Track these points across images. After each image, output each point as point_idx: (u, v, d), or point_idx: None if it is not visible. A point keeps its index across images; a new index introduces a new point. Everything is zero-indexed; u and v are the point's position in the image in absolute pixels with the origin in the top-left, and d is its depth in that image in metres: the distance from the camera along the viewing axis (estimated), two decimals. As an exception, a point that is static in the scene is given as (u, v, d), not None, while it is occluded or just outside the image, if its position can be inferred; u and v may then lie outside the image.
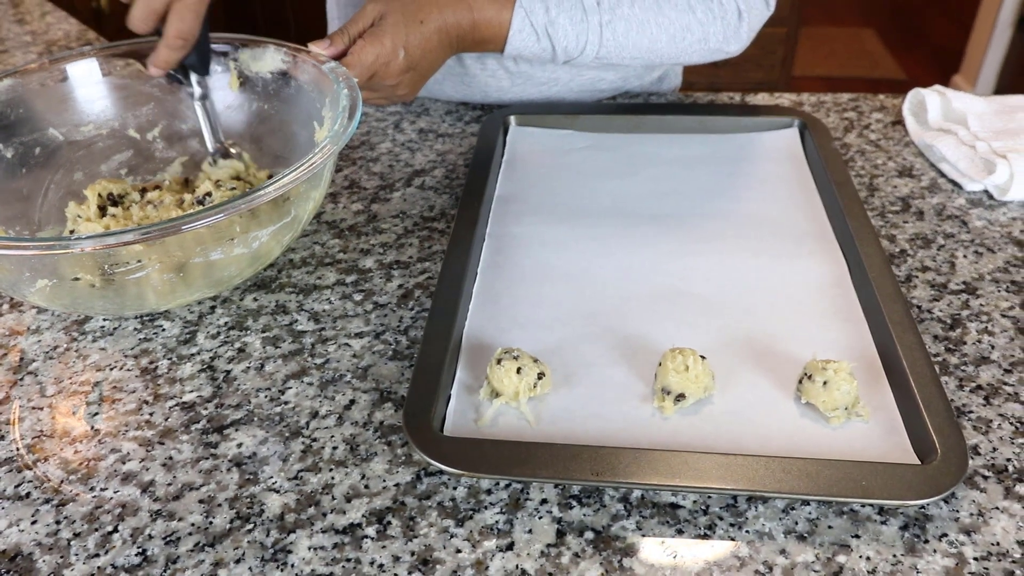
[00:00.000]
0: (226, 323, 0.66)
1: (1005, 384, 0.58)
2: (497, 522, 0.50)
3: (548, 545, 0.49)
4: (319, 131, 0.69)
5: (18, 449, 0.56)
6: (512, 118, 0.87)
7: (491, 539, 0.49)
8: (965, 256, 0.70)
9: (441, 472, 0.53)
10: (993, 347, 0.61)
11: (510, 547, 0.49)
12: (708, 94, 0.97)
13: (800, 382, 0.57)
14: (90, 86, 0.76)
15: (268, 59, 0.73)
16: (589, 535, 0.49)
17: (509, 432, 0.55)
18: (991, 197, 0.77)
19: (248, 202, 0.55)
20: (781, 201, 0.77)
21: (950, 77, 2.87)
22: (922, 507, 0.50)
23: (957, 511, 0.50)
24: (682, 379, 0.56)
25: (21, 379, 0.62)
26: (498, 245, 0.72)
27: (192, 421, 0.58)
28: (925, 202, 0.77)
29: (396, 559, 0.48)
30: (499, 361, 0.57)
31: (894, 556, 0.48)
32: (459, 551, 0.49)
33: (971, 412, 0.57)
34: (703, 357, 0.57)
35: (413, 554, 0.49)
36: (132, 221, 0.71)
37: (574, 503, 0.51)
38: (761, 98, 0.95)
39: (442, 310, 0.62)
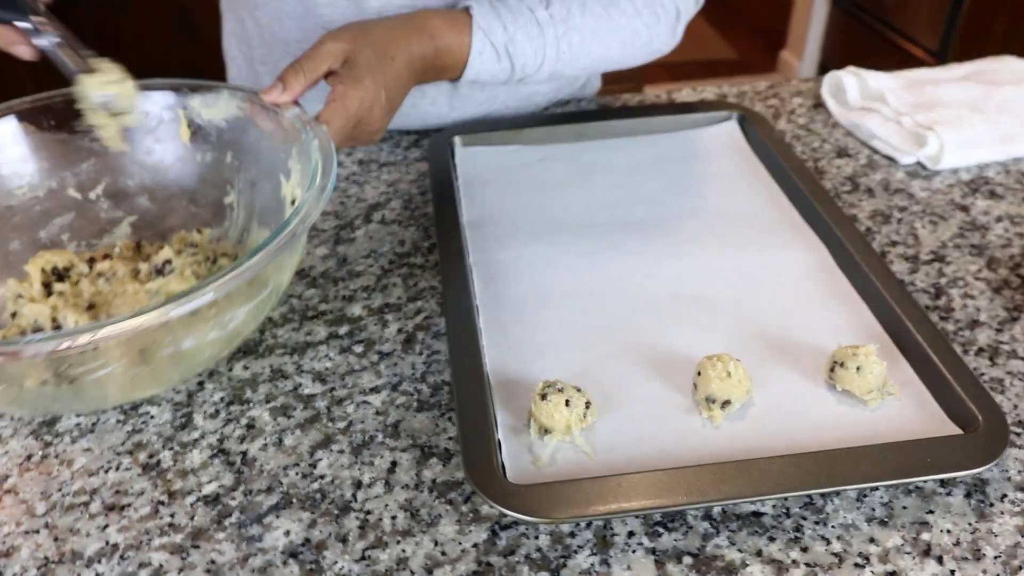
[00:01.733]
0: (222, 399, 0.60)
1: (1002, 343, 0.63)
2: (592, 565, 0.49)
3: (652, 578, 0.48)
4: (286, 184, 0.64)
5: (25, 584, 0.49)
6: (457, 139, 0.85)
7: (593, 584, 0.48)
8: (923, 227, 0.75)
9: (517, 523, 0.51)
10: (979, 309, 0.66)
11: (615, 588, 0.47)
12: (634, 95, 0.98)
13: (832, 370, 0.58)
14: (16, 145, 0.67)
15: (222, 105, 0.66)
16: (688, 560, 0.49)
17: (571, 468, 0.53)
18: (924, 168, 0.83)
19: (231, 279, 0.48)
20: (743, 193, 0.79)
21: (778, 53, 3.07)
22: (978, 474, 0.53)
23: (1007, 471, 0.53)
24: (725, 385, 0.56)
25: (-1, 501, 0.54)
26: (487, 274, 0.69)
27: (222, 515, 0.52)
28: (870, 179, 0.82)
29: (503, 624, 0.46)
30: (544, 396, 0.55)
31: (970, 525, 0.50)
32: (565, 603, 0.47)
33: (983, 374, 0.60)
34: (738, 360, 0.57)
35: (519, 615, 0.46)
36: (82, 299, 0.63)
37: (661, 530, 0.50)
38: (686, 94, 0.97)
39: (463, 351, 0.59)
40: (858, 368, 0.57)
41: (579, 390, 0.56)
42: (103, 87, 0.62)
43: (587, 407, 0.56)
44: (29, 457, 0.57)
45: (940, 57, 2.16)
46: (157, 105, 0.68)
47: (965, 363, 0.57)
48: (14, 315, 0.63)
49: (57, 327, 0.61)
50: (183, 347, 0.54)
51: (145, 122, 0.69)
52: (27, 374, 0.51)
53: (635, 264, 0.70)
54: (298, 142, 0.62)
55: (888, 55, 2.35)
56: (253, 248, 0.50)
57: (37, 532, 0.52)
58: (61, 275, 0.64)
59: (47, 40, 0.62)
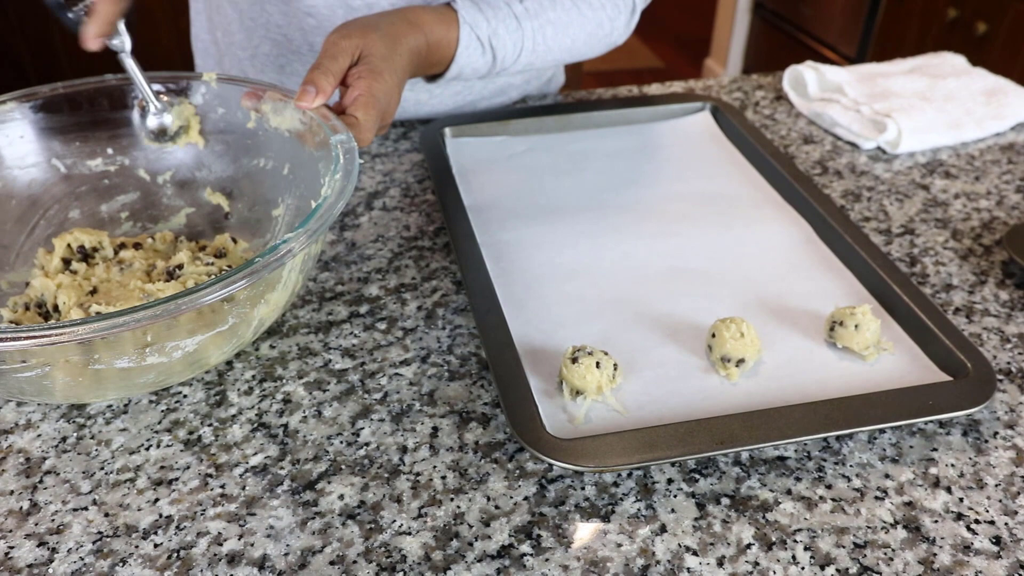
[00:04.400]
0: (253, 376, 0.61)
1: (975, 303, 0.69)
2: (639, 509, 0.52)
3: (696, 519, 0.51)
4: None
5: (84, 560, 0.49)
6: (447, 130, 0.87)
7: (643, 526, 0.51)
8: (891, 204, 0.81)
9: (563, 476, 0.54)
10: (951, 275, 0.72)
11: (663, 529, 0.51)
12: (608, 89, 1.03)
13: (831, 330, 0.63)
14: (101, 120, 0.70)
15: (288, 115, 0.66)
16: (725, 501, 0.52)
17: (606, 425, 0.57)
18: (884, 152, 0.90)
19: (146, 318, 0.45)
20: (723, 176, 0.83)
21: (702, 61, 3.19)
22: (970, 415, 0.58)
23: (995, 412, 0.59)
24: (739, 345, 0.60)
25: (40, 481, 0.54)
26: (496, 253, 0.72)
27: (273, 483, 0.53)
28: (837, 163, 0.88)
29: (564, 568, 0.48)
30: (575, 360, 0.58)
31: (970, 459, 0.55)
32: (619, 545, 0.50)
33: (963, 330, 0.66)
34: (748, 323, 0.62)
35: (579, 559, 0.49)
36: (88, 283, 0.63)
37: (697, 476, 0.54)
38: (655, 88, 1.02)
39: (490, 323, 0.62)
40: (856, 326, 0.62)
41: (606, 353, 0.59)
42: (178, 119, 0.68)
43: (615, 368, 0.59)
44: (64, 439, 0.56)
45: (857, 62, 2.29)
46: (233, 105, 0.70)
47: (948, 319, 0.63)
48: (27, 284, 0.63)
49: (55, 306, 0.61)
50: (117, 365, 0.52)
51: (219, 117, 0.70)
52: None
53: (633, 242, 0.74)
54: (326, 153, 0.62)
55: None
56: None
57: (86, 509, 0.52)
58: (87, 254, 0.64)
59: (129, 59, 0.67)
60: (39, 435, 0.57)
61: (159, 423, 0.58)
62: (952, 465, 0.55)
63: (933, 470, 0.54)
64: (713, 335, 0.61)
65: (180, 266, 0.62)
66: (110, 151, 0.72)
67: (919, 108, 0.90)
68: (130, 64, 0.67)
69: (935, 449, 0.56)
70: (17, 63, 1.93)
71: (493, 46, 0.79)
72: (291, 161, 0.68)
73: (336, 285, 0.70)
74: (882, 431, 0.57)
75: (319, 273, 0.71)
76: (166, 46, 2.08)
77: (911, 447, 0.56)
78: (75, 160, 0.71)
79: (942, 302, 0.69)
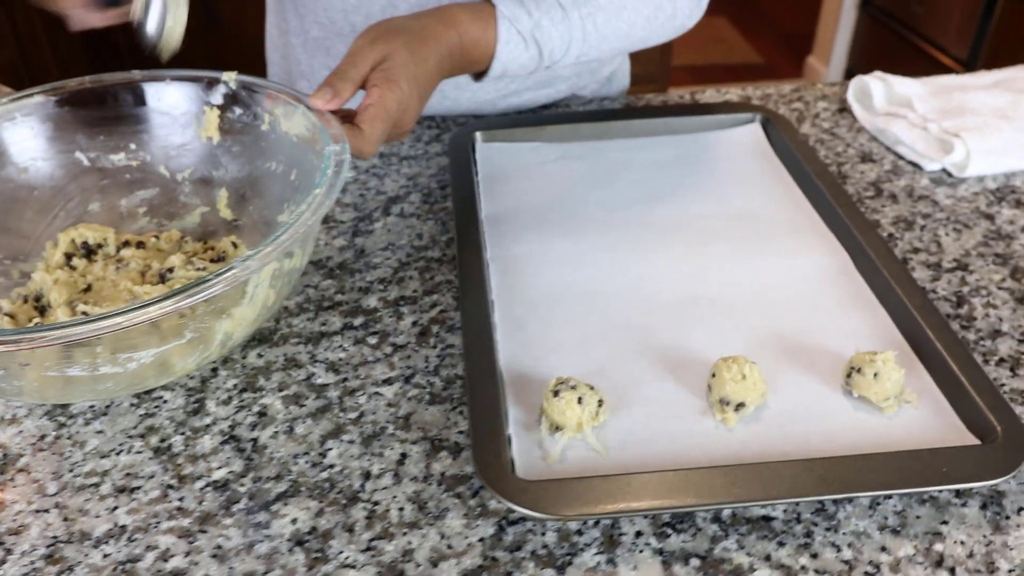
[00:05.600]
0: (235, 385, 0.60)
1: (1023, 354, 0.62)
2: (599, 563, 0.48)
3: (658, 579, 0.47)
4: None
5: (34, 564, 0.49)
6: (478, 135, 0.85)
7: (599, 582, 0.47)
8: (947, 234, 0.74)
9: (525, 519, 0.51)
10: (1001, 319, 0.65)
11: (621, 587, 0.47)
12: (657, 95, 0.98)
13: (848, 376, 0.58)
14: (130, 115, 0.71)
15: (298, 119, 0.65)
16: (695, 562, 0.48)
17: (581, 466, 0.53)
18: (949, 175, 0.82)
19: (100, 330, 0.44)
20: (764, 196, 0.78)
21: (804, 58, 3.05)
22: (994, 486, 0.52)
23: (1025, 484, 0.52)
24: (740, 388, 0.55)
25: (11, 479, 0.54)
26: (504, 268, 0.69)
27: (231, 501, 0.52)
28: (894, 185, 0.81)
29: (507, 620, 0.46)
30: (556, 393, 0.55)
31: (984, 537, 0.49)
32: (570, 600, 0.46)
33: (1003, 385, 0.59)
34: (754, 363, 0.57)
35: (524, 611, 0.46)
36: (84, 280, 0.64)
37: (669, 531, 0.50)
38: (710, 95, 0.97)
39: (477, 345, 0.59)
40: (875, 374, 0.56)
41: (592, 388, 0.55)
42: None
43: (599, 405, 0.55)
44: (42, 437, 0.57)
45: (968, 66, 2.14)
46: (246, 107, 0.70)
47: (984, 372, 0.56)
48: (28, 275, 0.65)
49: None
50: (68, 373, 0.51)
51: (236, 118, 0.71)
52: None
53: (655, 263, 0.70)
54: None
55: (916, 63, 2.33)
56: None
57: (47, 511, 0.52)
58: (90, 251, 0.65)
59: None
60: (21, 431, 0.58)
61: (135, 427, 0.57)
62: (962, 543, 0.49)
63: (938, 546, 0.49)
64: (713, 374, 0.57)
65: (171, 269, 0.62)
66: (133, 146, 0.72)
67: (995, 127, 0.81)
68: None
69: (945, 522, 0.50)
70: (115, 47, 2.01)
71: (537, 40, 0.75)
72: (298, 167, 0.67)
73: (336, 294, 0.68)
74: (888, 496, 0.51)
75: (321, 280, 0.70)
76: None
77: (918, 517, 0.50)
78: (99, 154, 0.72)
79: (985, 351, 0.62)
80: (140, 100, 0.72)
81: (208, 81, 0.70)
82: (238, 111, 0.70)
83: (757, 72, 3.07)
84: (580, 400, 0.54)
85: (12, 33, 1.88)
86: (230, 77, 0.69)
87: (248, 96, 0.69)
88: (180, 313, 0.50)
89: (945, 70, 2.15)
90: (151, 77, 0.71)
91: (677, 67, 3.07)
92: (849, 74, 2.69)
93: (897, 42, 2.45)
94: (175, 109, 0.71)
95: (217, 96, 0.70)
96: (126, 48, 2.04)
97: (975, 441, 0.54)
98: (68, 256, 0.65)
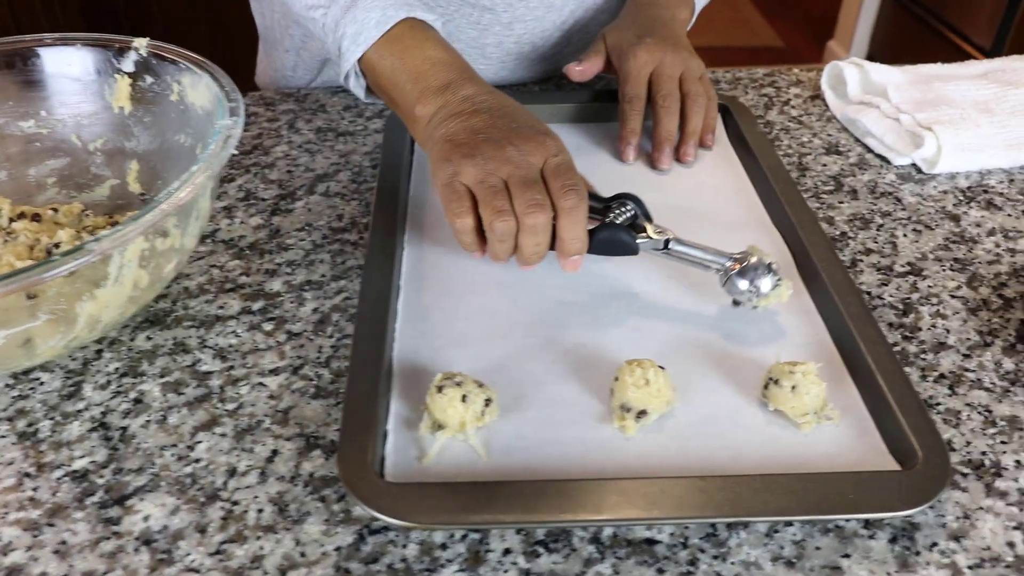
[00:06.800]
0: (117, 369, 0.57)
1: (967, 370, 0.56)
2: (458, 582, 0.44)
3: (519, 603, 0.43)
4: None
5: None
6: (419, 111, 0.80)
7: (454, 603, 0.43)
8: (905, 235, 0.68)
9: (388, 528, 0.47)
10: (948, 331, 0.59)
11: (477, 610, 0.43)
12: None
13: (765, 387, 0.53)
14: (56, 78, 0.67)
15: (202, 90, 0.61)
16: (563, 586, 0.44)
17: (458, 469, 0.49)
18: (919, 171, 0.76)
19: None
20: (711, 189, 0.73)
21: (825, 43, 2.95)
22: (908, 516, 0.47)
23: (943, 516, 0.47)
24: (643, 394, 0.51)
25: None
26: (419, 254, 0.65)
27: (86, 493, 0.49)
28: (857, 180, 0.75)
29: (347, 640, 0.42)
30: (440, 389, 0.51)
31: (888, 574, 0.45)
32: (419, 622, 0.43)
33: (938, 404, 0.54)
34: (662, 368, 0.52)
35: (366, 632, 0.42)
36: None
37: (541, 549, 0.46)
38: (676, 77, 0.91)
39: (368, 334, 0.55)
40: (793, 387, 0.51)
41: (481, 385, 0.51)
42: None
43: (487, 404, 0.51)
44: (-94, 416, 0.54)
45: (992, 56, 2.04)
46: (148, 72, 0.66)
47: (915, 390, 0.51)
48: None
49: None
50: None
51: (147, 87, 0.67)
52: None
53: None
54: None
55: (938, 51, 2.23)
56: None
57: None
58: None
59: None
60: None
61: (4, 410, 0.54)
62: (862, 579, 0.44)
63: (835, 582, 0.44)
64: (616, 378, 0.53)
65: (58, 245, 0.59)
66: (43, 113, 0.69)
67: (972, 121, 0.75)
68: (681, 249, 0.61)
69: (847, 555, 0.45)
70: (112, 11, 1.99)
71: None
72: (203, 141, 0.63)
73: (241, 276, 0.65)
74: (788, 523, 0.47)
75: (228, 261, 0.66)
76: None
77: (817, 548, 0.46)
78: (7, 120, 0.69)
79: (925, 365, 0.57)
80: (51, 64, 0.68)
81: (119, 47, 0.67)
82: (149, 80, 0.67)
83: (777, 56, 2.97)
84: (464, 398, 0.50)
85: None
86: (141, 43, 0.66)
87: (159, 64, 0.66)
88: (29, 294, 0.47)
89: (967, 59, 2.06)
90: (62, 40, 0.67)
91: (696, 48, 2.99)
92: (870, 60, 2.59)
93: (920, 28, 2.35)
94: (86, 75, 0.68)
95: (128, 63, 0.67)
96: (124, 16, 2.01)
97: (894, 466, 0.49)
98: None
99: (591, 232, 0.59)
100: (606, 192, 0.63)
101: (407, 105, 0.64)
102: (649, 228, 0.61)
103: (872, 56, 2.60)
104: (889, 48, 2.52)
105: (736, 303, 0.61)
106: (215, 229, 0.70)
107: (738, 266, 0.58)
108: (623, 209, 0.61)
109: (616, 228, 0.60)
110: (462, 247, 0.59)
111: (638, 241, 0.60)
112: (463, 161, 0.57)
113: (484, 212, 0.56)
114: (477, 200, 0.57)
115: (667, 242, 0.60)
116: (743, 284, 0.58)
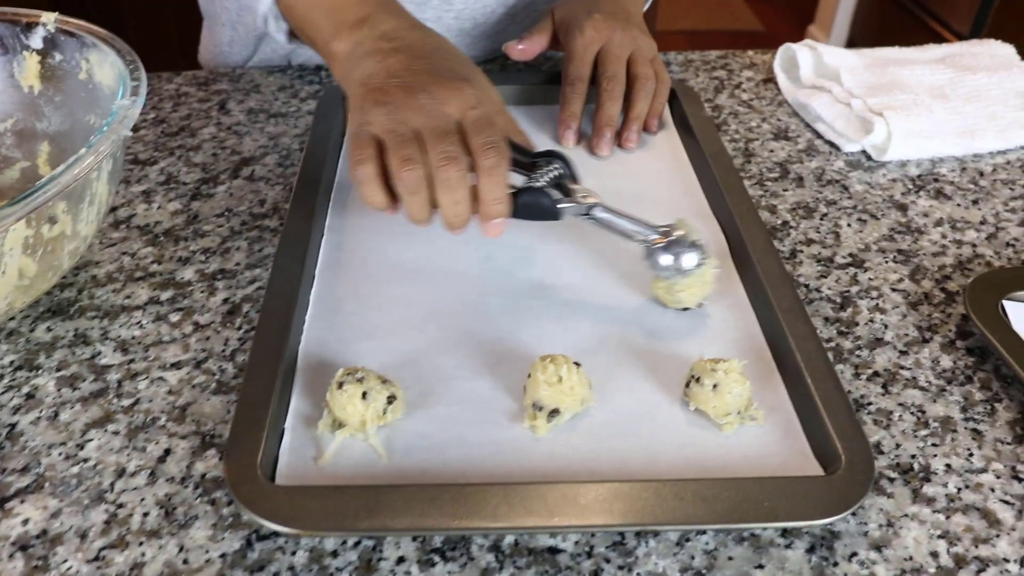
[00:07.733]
0: (12, 362, 0.54)
1: (902, 368, 0.54)
2: (347, 592, 0.42)
3: (409, 616, 0.41)
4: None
5: None
6: (354, 92, 0.77)
7: (340, 616, 0.41)
8: (849, 225, 0.66)
9: (277, 534, 0.44)
10: (886, 326, 0.57)
11: (363, 624, 0.41)
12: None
13: (687, 385, 0.50)
14: None
15: (108, 68, 0.58)
16: (457, 598, 0.42)
17: (356, 470, 0.47)
18: (869, 158, 0.73)
19: None
20: (651, 175, 0.70)
21: (806, 27, 2.91)
22: (829, 525, 0.45)
23: (865, 523, 0.45)
24: (555, 392, 0.48)
25: None
26: (338, 240, 0.62)
27: (-37, 495, 0.46)
28: (804, 167, 0.72)
29: (222, 655, 0.39)
30: (340, 385, 0.48)
31: (802, 585, 0.42)
32: (301, 636, 0.40)
33: (870, 404, 0.52)
34: (577, 364, 0.50)
35: (243, 646, 0.40)
36: None
37: (436, 558, 0.43)
38: (627, 59, 0.88)
39: (272, 325, 0.53)
40: (715, 386, 0.49)
41: (385, 381, 0.49)
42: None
43: (390, 401, 0.48)
44: None
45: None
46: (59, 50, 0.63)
47: (843, 390, 0.49)
48: None
49: None
50: None
51: (56, 64, 0.63)
52: None
53: (505, 244, 0.62)
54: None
55: (917, 36, 2.20)
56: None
57: None
58: None
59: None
60: None
61: None
62: (773, 590, 0.42)
63: (745, 594, 0.42)
64: (529, 375, 0.50)
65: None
66: (-47, 90, 0.66)
67: (924, 107, 0.73)
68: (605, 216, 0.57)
69: (760, 566, 0.43)
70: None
71: None
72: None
73: (152, 263, 0.62)
74: (702, 531, 0.45)
75: (141, 248, 0.63)
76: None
77: (730, 559, 0.43)
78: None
79: (859, 362, 0.54)
80: None
81: (27, 22, 0.63)
82: (58, 57, 0.63)
83: (756, 39, 2.94)
84: (364, 395, 0.47)
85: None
86: (49, 18, 0.62)
87: (67, 41, 0.62)
88: None
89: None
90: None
91: (674, 32, 2.96)
92: (850, 44, 2.56)
93: (900, 14, 2.32)
94: None
95: (36, 39, 0.63)
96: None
97: (818, 471, 0.47)
98: None
99: (512, 196, 0.55)
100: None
101: (323, 41, 0.60)
102: (576, 190, 0.57)
103: (853, 41, 2.57)
104: (869, 32, 2.48)
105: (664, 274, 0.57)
106: (131, 215, 0.67)
107: (663, 240, 0.55)
108: (549, 167, 0.57)
109: (538, 192, 0.56)
110: (368, 204, 0.55)
111: (561, 206, 0.56)
112: (373, 109, 0.53)
113: (391, 162, 0.52)
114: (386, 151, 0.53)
115: (591, 208, 0.57)
116: (666, 259, 0.55)
